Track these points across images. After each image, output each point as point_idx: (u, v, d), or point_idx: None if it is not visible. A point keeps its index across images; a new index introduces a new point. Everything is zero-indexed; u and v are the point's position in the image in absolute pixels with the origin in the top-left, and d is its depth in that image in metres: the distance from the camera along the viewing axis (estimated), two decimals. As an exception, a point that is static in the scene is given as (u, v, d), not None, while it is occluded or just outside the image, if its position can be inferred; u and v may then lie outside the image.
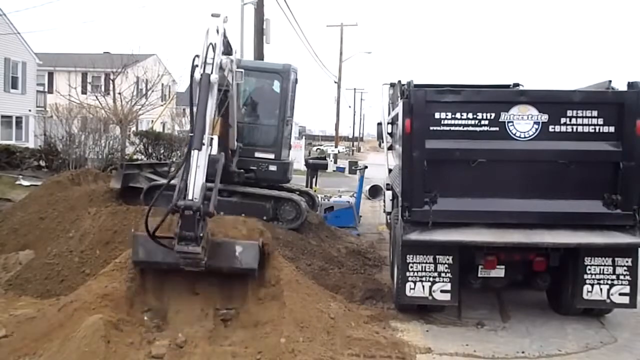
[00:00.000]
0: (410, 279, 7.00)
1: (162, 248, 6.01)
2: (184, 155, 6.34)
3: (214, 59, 6.62)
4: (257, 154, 10.50)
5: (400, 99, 7.12)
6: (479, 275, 7.18)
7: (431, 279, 6.98)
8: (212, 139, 6.48)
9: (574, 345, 6.57)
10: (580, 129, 6.69)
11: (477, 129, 6.74)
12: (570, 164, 6.69)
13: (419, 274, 6.99)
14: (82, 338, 5.14)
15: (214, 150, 6.75)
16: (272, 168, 10.49)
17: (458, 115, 6.74)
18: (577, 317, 7.33)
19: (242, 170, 10.02)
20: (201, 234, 5.78)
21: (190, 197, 5.83)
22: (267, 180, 10.61)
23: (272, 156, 10.54)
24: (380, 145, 11.89)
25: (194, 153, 6.04)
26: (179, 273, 6.24)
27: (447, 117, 6.74)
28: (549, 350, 6.38)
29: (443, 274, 6.97)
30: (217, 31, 6.87)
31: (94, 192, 10.44)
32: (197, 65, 6.46)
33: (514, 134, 6.71)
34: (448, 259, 6.96)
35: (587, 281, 6.94)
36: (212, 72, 6.48)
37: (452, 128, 6.74)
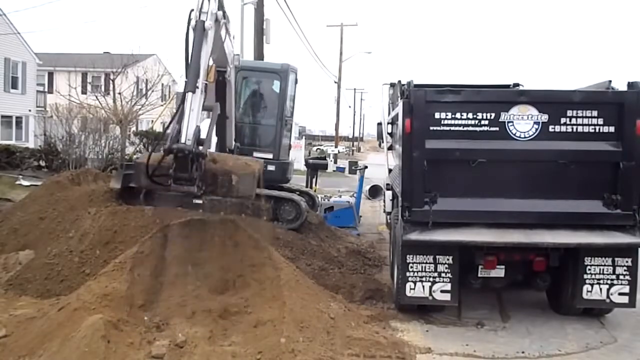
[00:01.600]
0: (410, 279, 7.00)
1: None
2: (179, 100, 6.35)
3: (209, 8, 6.55)
4: (255, 154, 10.50)
5: (400, 99, 7.12)
6: (479, 275, 7.18)
7: (431, 279, 6.98)
8: (206, 84, 6.50)
9: (574, 345, 6.57)
10: (580, 129, 6.69)
11: (477, 129, 6.74)
12: (570, 164, 6.70)
13: (419, 274, 6.99)
14: (82, 338, 5.13)
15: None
16: (271, 168, 10.50)
17: (458, 115, 6.74)
18: (577, 317, 7.33)
19: None
20: (195, 176, 5.92)
21: (183, 140, 5.87)
22: (266, 180, 10.60)
23: (270, 156, 10.54)
24: (380, 145, 11.89)
25: (188, 96, 6.04)
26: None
27: (447, 117, 6.74)
28: (549, 350, 6.38)
29: (443, 274, 6.97)
30: None
31: (94, 192, 10.42)
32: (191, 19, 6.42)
33: (514, 134, 6.71)
34: (448, 259, 6.96)
35: (587, 281, 6.94)
36: (206, 20, 6.40)
37: (452, 128, 6.74)
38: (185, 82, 6.25)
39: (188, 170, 5.87)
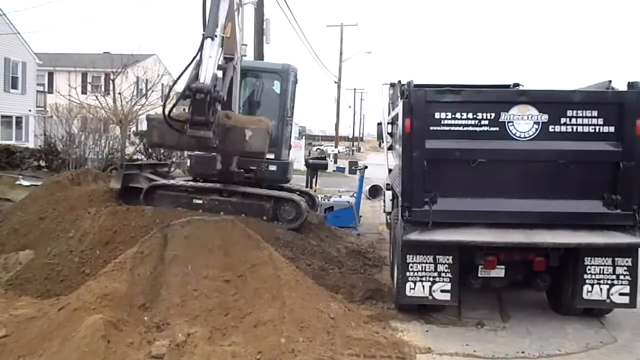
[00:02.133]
0: (410, 279, 7.00)
1: (174, 133, 6.23)
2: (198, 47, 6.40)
3: None
4: None
5: (400, 99, 7.12)
6: (479, 275, 7.18)
7: (431, 279, 6.98)
8: (223, 37, 6.58)
9: (574, 345, 6.57)
10: (580, 129, 6.69)
11: (477, 129, 6.74)
12: (570, 164, 6.69)
13: (419, 274, 6.99)
14: (82, 338, 5.13)
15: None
16: (272, 168, 10.50)
17: (458, 115, 6.74)
18: (577, 317, 7.33)
19: (242, 170, 10.02)
20: (212, 120, 5.97)
21: (202, 81, 5.97)
22: (267, 180, 10.60)
23: (272, 156, 10.53)
24: (380, 145, 11.89)
25: (207, 42, 6.14)
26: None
27: (447, 117, 6.74)
28: (549, 350, 6.38)
29: (443, 274, 6.97)
30: None
31: (94, 192, 10.44)
32: None
33: (514, 134, 6.71)
34: (448, 259, 6.96)
35: (587, 281, 6.94)
36: None
37: (452, 128, 6.74)
38: (203, 31, 6.32)
39: (205, 113, 5.91)
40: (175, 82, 6.90)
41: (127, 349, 5.32)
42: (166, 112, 6.13)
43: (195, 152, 10.45)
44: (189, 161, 10.96)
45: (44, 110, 33.38)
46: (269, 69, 11.30)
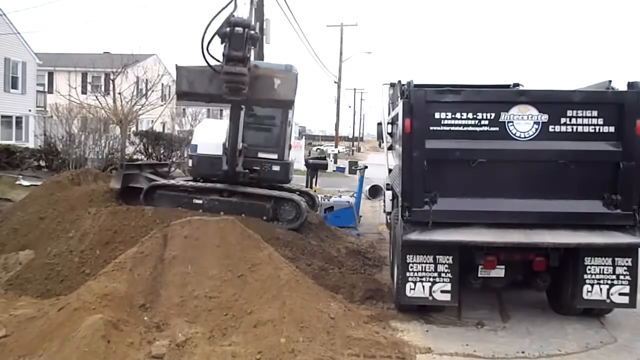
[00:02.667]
0: (410, 279, 7.00)
1: (204, 80, 6.50)
2: None
3: None
4: (260, 154, 10.54)
5: (400, 99, 7.12)
6: (479, 275, 7.18)
7: (431, 279, 6.98)
8: None
9: (574, 345, 6.57)
10: (580, 129, 6.69)
11: (477, 129, 6.73)
12: (570, 164, 6.69)
13: (419, 274, 6.99)
14: (82, 338, 5.14)
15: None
16: (275, 168, 10.55)
17: (458, 115, 6.74)
18: (577, 317, 7.33)
19: (247, 170, 10.09)
20: (248, 55, 6.24)
21: (240, 16, 6.32)
22: (270, 180, 10.65)
23: (275, 156, 10.57)
24: (380, 145, 11.89)
25: None
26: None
27: (447, 117, 6.74)
28: (549, 350, 6.38)
29: (443, 274, 6.97)
30: None
31: (94, 192, 10.45)
32: None
33: (514, 134, 6.71)
34: (448, 259, 6.96)
35: (587, 281, 6.94)
36: None
37: (452, 128, 6.74)
38: None
39: (243, 47, 6.17)
40: (213, 20, 7.06)
41: (127, 349, 5.32)
42: (204, 45, 6.35)
43: (199, 153, 10.46)
44: (190, 161, 10.99)
45: (44, 110, 33.36)
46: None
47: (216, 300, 6.34)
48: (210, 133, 10.83)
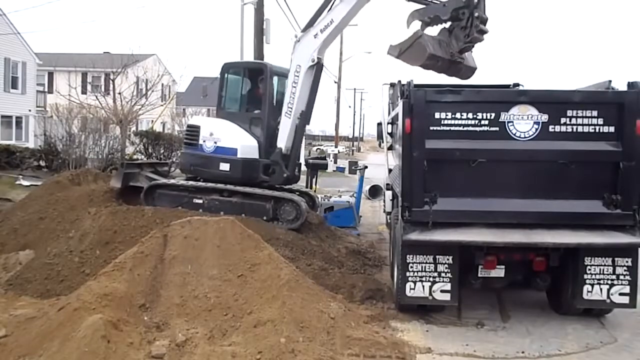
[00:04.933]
0: (410, 279, 7.00)
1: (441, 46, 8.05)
2: None
3: None
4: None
5: (400, 99, 7.12)
6: (479, 275, 7.18)
7: (431, 279, 6.98)
8: None
9: (574, 345, 6.57)
10: (580, 129, 6.69)
11: (477, 129, 6.74)
12: (570, 164, 6.69)
13: (419, 274, 6.99)
14: (82, 338, 5.14)
15: None
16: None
17: (458, 115, 6.74)
18: (577, 317, 7.32)
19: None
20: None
21: None
22: (281, 181, 10.64)
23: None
24: (380, 145, 11.88)
25: None
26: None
27: (447, 117, 6.74)
28: (549, 350, 6.38)
29: (443, 274, 6.97)
30: None
31: (94, 192, 10.45)
32: None
33: (514, 134, 6.71)
34: (448, 259, 6.96)
35: (587, 281, 6.94)
36: None
37: (452, 128, 6.74)
38: None
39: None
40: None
41: (127, 349, 5.32)
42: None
43: (240, 157, 10.24)
44: (223, 165, 10.31)
45: (44, 110, 33.36)
46: (287, 72, 11.33)
47: (216, 300, 6.34)
48: (242, 135, 10.48)
